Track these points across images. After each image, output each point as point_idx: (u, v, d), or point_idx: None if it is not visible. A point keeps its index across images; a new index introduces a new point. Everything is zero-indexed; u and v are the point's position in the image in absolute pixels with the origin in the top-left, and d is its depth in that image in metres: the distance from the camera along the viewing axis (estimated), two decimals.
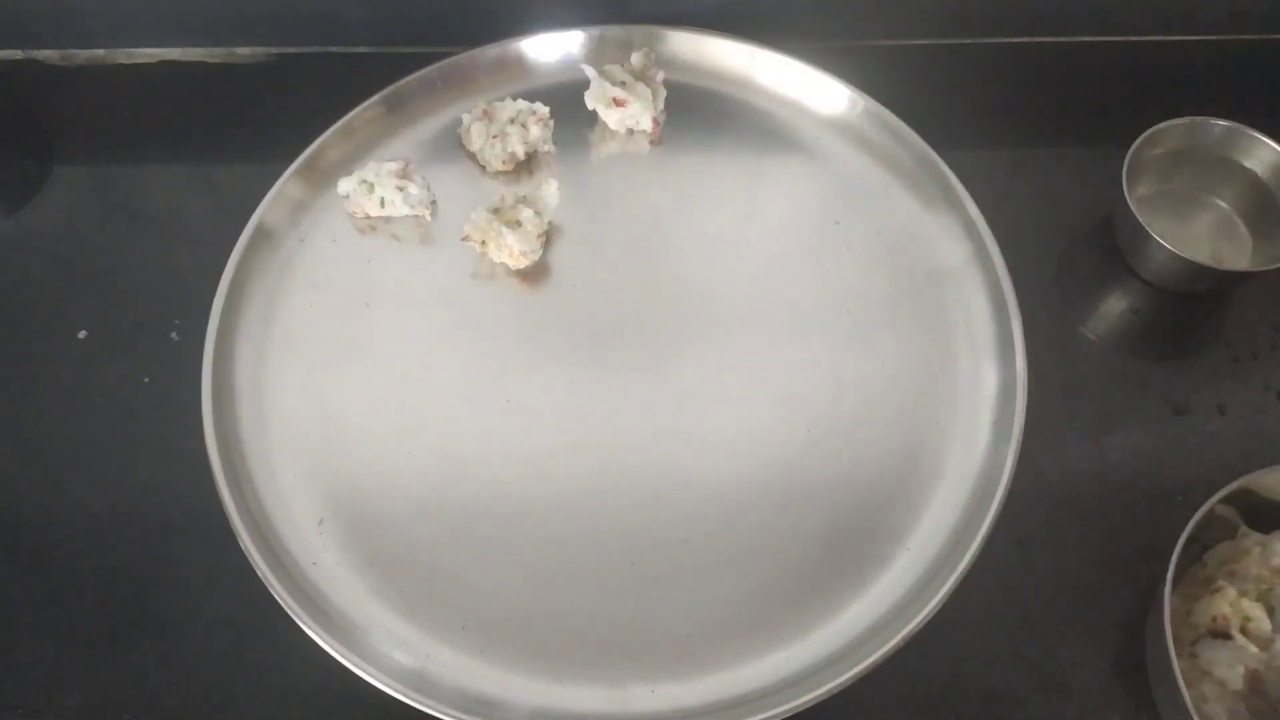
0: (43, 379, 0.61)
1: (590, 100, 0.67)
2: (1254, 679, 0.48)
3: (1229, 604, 0.50)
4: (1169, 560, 0.49)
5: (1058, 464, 0.59)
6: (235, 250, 0.61)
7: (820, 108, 0.68)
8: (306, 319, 0.61)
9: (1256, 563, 0.51)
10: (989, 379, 0.59)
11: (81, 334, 0.62)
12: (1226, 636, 0.50)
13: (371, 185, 0.63)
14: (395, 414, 0.58)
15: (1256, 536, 0.52)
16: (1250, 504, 0.53)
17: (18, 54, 0.73)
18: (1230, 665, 0.49)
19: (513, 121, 0.65)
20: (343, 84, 0.66)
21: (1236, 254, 0.64)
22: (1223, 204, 0.66)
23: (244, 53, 0.73)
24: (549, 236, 0.63)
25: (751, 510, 0.56)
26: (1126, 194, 0.61)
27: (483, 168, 0.66)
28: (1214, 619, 0.50)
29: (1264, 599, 0.50)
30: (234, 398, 0.58)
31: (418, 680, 0.51)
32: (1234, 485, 0.51)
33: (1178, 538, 0.50)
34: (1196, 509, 0.50)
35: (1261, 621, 0.49)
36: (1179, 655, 0.47)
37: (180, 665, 0.53)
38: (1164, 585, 0.48)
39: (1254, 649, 0.49)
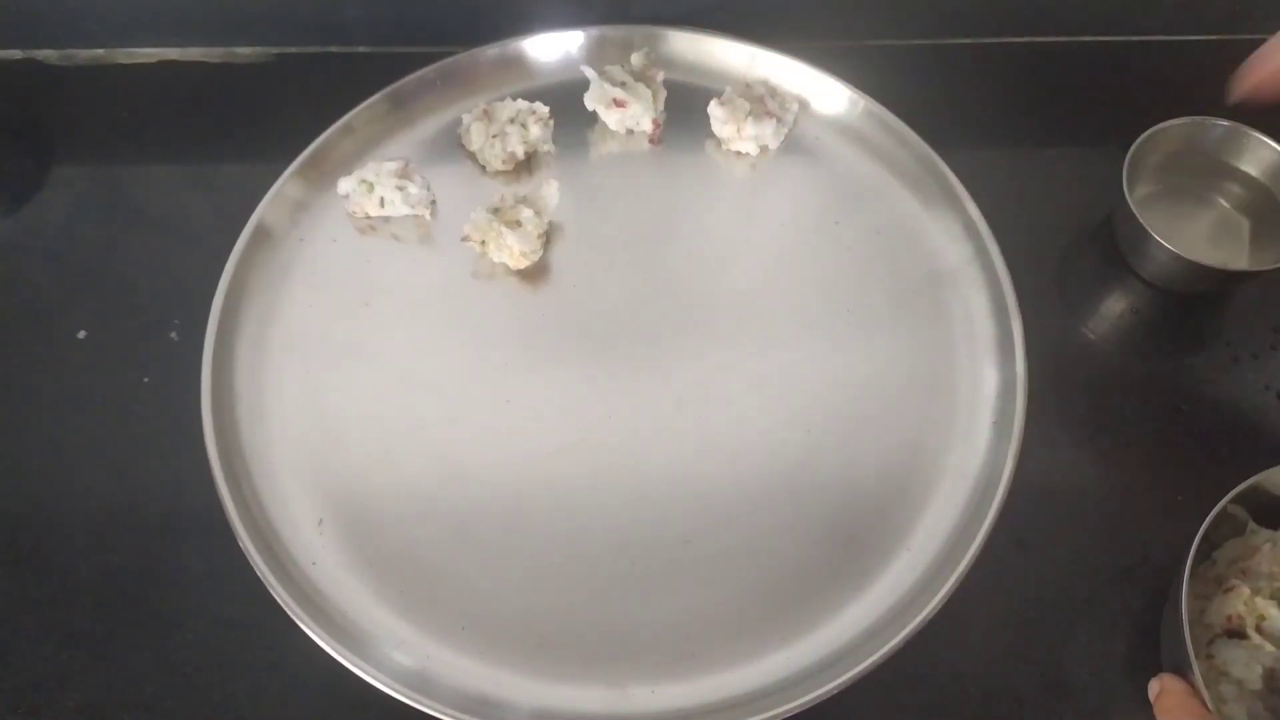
0: (43, 379, 0.61)
1: (590, 102, 0.67)
2: (1271, 678, 0.48)
3: (1243, 603, 0.49)
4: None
5: (1058, 464, 0.59)
6: (235, 250, 0.61)
7: (820, 108, 0.68)
8: (306, 319, 0.61)
9: (1268, 560, 0.51)
10: (989, 379, 0.59)
11: (81, 334, 0.62)
12: (1242, 636, 0.49)
13: (371, 185, 0.63)
14: (395, 414, 0.58)
15: (1266, 533, 0.52)
16: (1258, 501, 0.52)
17: (18, 54, 0.73)
18: (1248, 665, 0.48)
19: (513, 121, 0.65)
20: (343, 84, 0.66)
21: (1236, 254, 0.64)
22: (1223, 204, 0.66)
23: (244, 53, 0.73)
24: (549, 236, 0.63)
25: (751, 510, 0.56)
26: (1126, 194, 0.61)
27: (483, 168, 0.66)
28: (1229, 618, 0.50)
29: (1277, 597, 0.50)
30: (234, 398, 0.58)
31: (418, 680, 0.51)
32: (1247, 483, 0.50)
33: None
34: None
35: (1276, 620, 0.49)
36: (1195, 656, 0.47)
37: (180, 665, 0.53)
38: (1180, 585, 0.48)
39: (1270, 647, 0.49)
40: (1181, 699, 0.46)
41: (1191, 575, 0.49)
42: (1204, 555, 0.53)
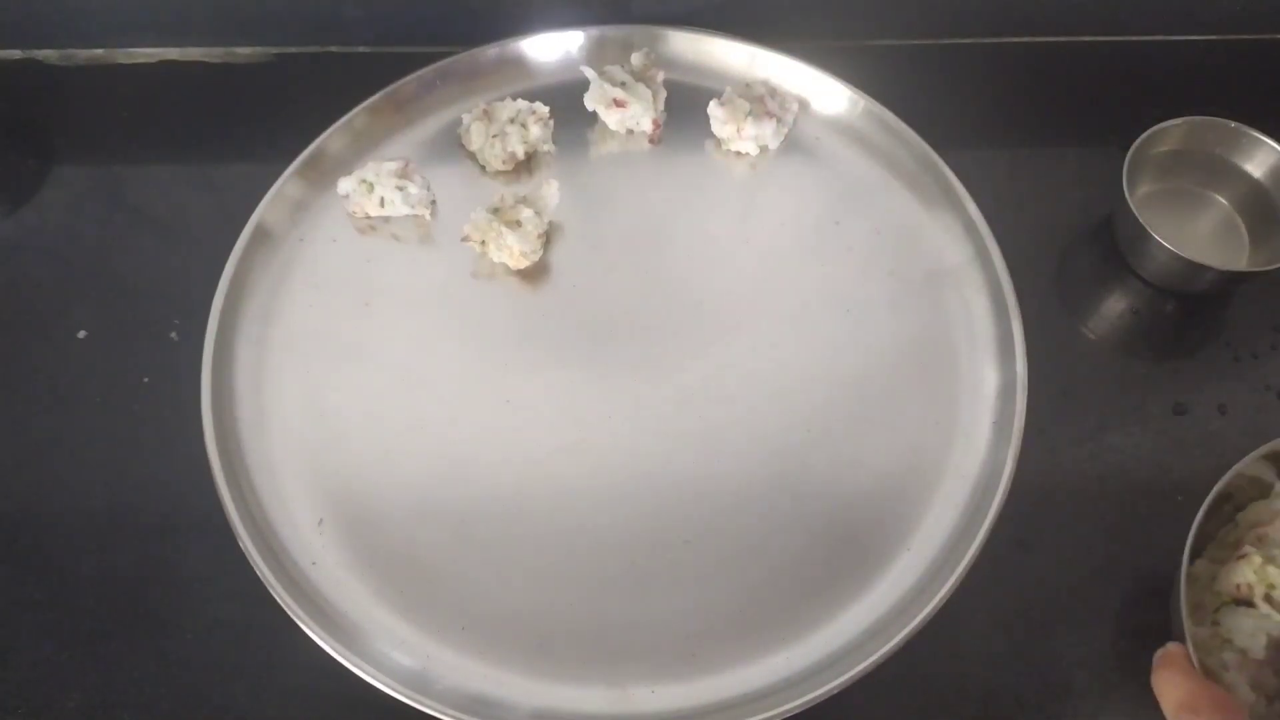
0: (43, 379, 0.61)
1: (590, 102, 0.67)
2: (1278, 647, 0.48)
3: (1254, 571, 0.49)
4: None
5: (1058, 464, 0.59)
6: (235, 250, 0.61)
7: (820, 108, 0.68)
8: (306, 319, 0.61)
9: None
10: (989, 379, 0.59)
11: (81, 334, 0.62)
12: (1250, 604, 0.49)
13: (371, 185, 0.63)
14: (395, 414, 0.58)
15: None
16: None
17: (17, 54, 0.73)
18: (1252, 635, 0.48)
19: (513, 121, 0.65)
20: (343, 84, 0.66)
21: (1236, 254, 0.64)
22: (1223, 204, 0.66)
23: (244, 53, 0.73)
24: (549, 236, 0.63)
25: (752, 510, 0.56)
26: (1126, 194, 0.61)
27: (483, 168, 0.66)
28: (1237, 586, 0.49)
29: None
30: (234, 398, 0.58)
31: (418, 680, 0.51)
32: (1262, 450, 0.50)
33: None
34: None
35: None
36: (1201, 623, 0.46)
37: (180, 665, 0.53)
38: (1181, 560, 0.47)
39: (1278, 617, 0.48)
40: (1177, 659, 0.46)
41: (1211, 536, 0.48)
42: (1228, 518, 0.53)
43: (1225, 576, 0.50)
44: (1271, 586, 0.49)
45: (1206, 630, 0.49)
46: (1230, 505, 0.52)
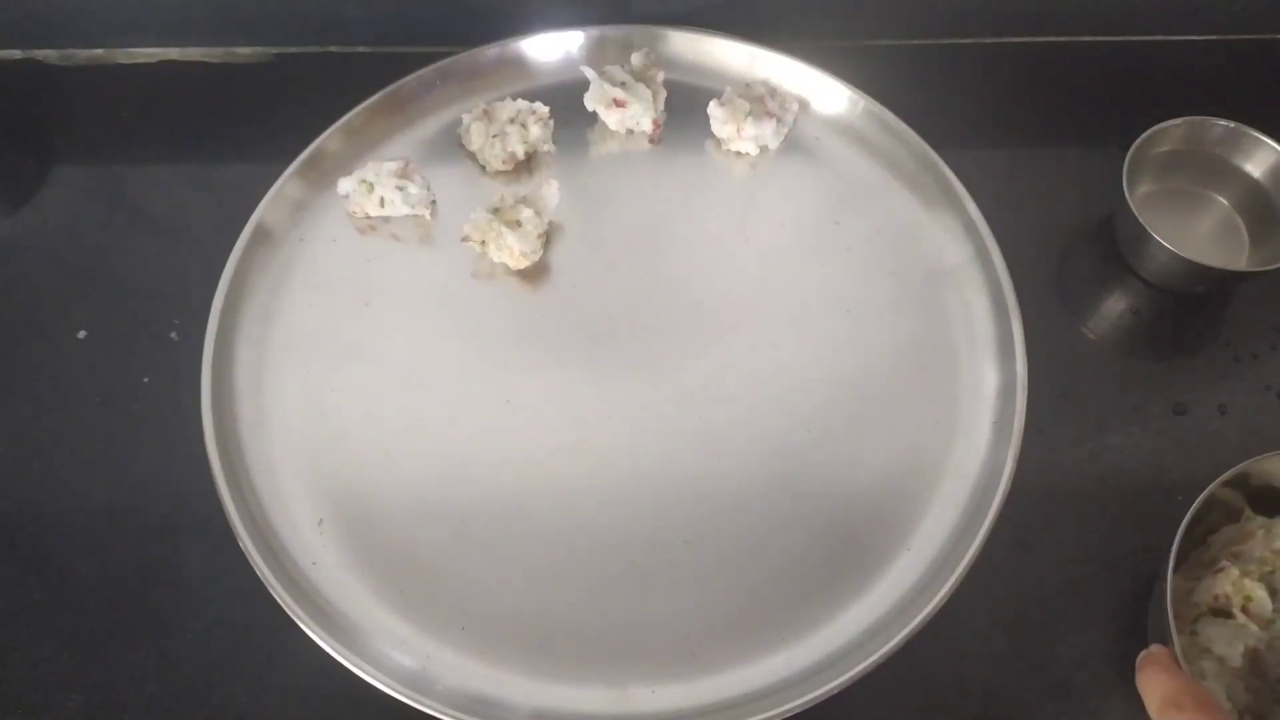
0: (43, 379, 0.61)
1: (590, 102, 0.67)
2: (1254, 658, 0.49)
3: (1231, 583, 0.50)
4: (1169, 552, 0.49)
5: (1058, 464, 0.59)
6: (235, 250, 0.61)
7: (820, 108, 0.68)
8: (306, 319, 0.61)
9: (1260, 545, 0.51)
10: (989, 379, 0.59)
11: (81, 334, 0.62)
12: (1227, 615, 0.50)
13: (371, 185, 0.63)
14: (395, 414, 0.58)
15: (1261, 520, 0.53)
16: (1254, 489, 0.53)
17: (17, 54, 0.73)
18: (1230, 643, 0.49)
19: (513, 121, 0.65)
20: (343, 84, 0.66)
21: (1236, 254, 0.64)
22: (1223, 204, 0.66)
23: (244, 53, 0.73)
24: (549, 236, 0.63)
25: (752, 510, 0.56)
26: (1126, 194, 0.61)
27: (483, 168, 0.66)
28: (1215, 597, 0.50)
29: (1266, 580, 0.50)
30: (234, 398, 0.58)
31: (418, 680, 0.51)
32: (1235, 470, 0.51)
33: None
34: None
35: (1263, 602, 0.49)
36: (1179, 633, 0.47)
37: (180, 665, 0.53)
38: (1167, 561, 0.48)
39: (1254, 628, 0.49)
40: (1160, 658, 0.46)
41: (1185, 557, 0.49)
42: (1199, 540, 0.53)
43: (1204, 588, 0.51)
44: (1248, 598, 0.50)
45: (1185, 639, 0.50)
46: (1202, 528, 0.53)
